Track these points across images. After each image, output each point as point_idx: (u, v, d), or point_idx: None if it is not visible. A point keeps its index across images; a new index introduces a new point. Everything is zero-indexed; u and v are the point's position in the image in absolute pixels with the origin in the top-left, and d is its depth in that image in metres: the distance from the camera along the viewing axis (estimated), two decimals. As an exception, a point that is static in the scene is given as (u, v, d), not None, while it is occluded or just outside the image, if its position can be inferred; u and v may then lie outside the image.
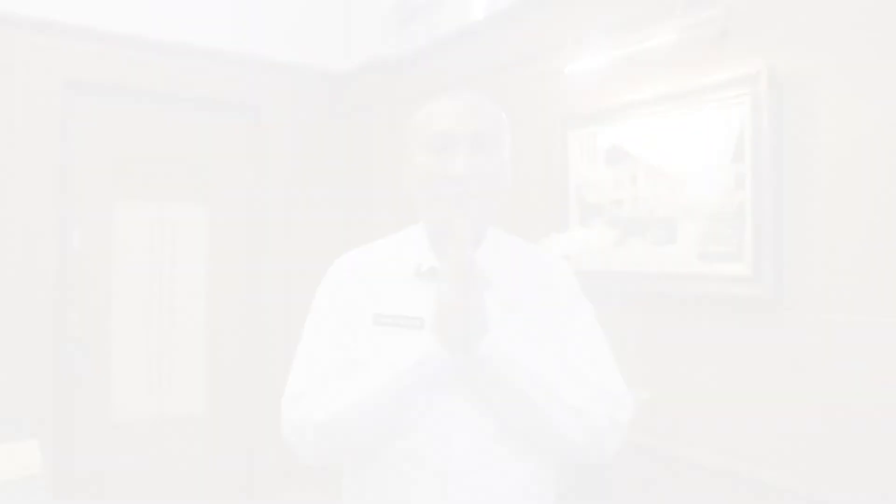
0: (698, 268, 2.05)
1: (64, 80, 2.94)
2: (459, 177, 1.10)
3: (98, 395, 3.07)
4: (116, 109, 3.16)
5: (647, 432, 2.06)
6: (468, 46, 3.00)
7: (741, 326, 1.95)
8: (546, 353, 1.12)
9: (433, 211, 1.17)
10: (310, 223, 3.58)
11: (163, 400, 3.23)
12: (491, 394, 1.09)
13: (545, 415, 1.07)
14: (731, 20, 1.98)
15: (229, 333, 3.41)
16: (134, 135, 3.20)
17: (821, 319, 1.74)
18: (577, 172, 2.45)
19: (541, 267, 1.26)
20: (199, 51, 3.26)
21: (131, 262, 3.18)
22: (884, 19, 1.64)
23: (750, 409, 1.91)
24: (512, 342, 1.07)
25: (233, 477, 3.39)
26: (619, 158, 2.30)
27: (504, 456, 1.11)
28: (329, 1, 3.69)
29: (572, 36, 2.37)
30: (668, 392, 2.09)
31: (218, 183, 3.43)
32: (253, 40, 3.42)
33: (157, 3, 3.16)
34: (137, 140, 3.21)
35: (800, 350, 1.80)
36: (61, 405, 2.94)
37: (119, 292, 3.14)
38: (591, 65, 2.31)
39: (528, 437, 1.12)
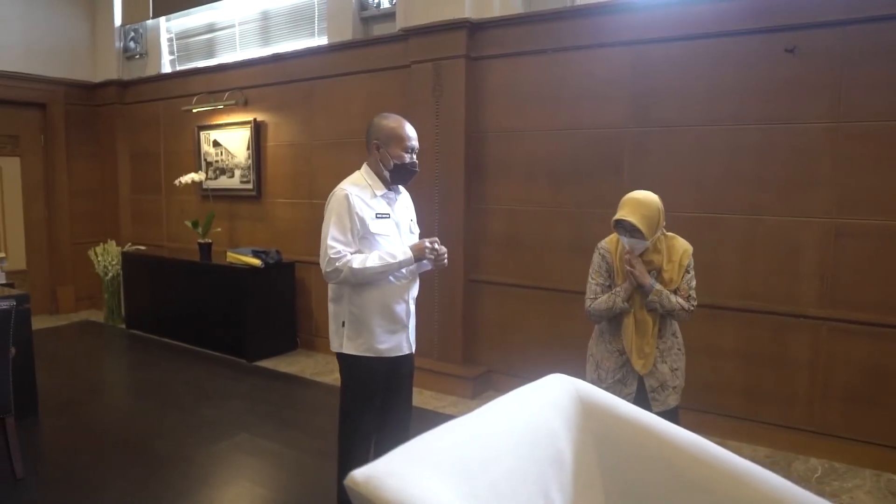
0: (241, 186, 5.78)
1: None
2: (416, 166, 2.46)
3: None
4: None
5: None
6: (162, 83, 6.39)
7: (247, 204, 5.75)
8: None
9: (400, 175, 2.43)
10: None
11: None
12: (422, 266, 2.50)
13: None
14: (248, 97, 5.67)
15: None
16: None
17: (271, 202, 5.58)
18: (202, 149, 6.05)
19: (410, 200, 2.65)
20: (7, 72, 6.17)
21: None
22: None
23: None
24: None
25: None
26: (217, 144, 5.94)
27: (414, 287, 2.56)
28: (84, 47, 6.74)
29: (193, 94, 5.93)
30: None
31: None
32: (42, 66, 6.39)
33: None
34: None
35: (267, 209, 5.64)
36: None
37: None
38: (202, 108, 5.89)
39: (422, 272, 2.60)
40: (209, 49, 6.23)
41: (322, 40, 5.30)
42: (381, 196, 2.43)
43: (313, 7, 5.39)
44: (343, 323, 2.45)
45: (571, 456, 1.51)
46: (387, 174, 2.43)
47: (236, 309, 5.16)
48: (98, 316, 6.63)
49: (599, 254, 2.59)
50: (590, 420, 1.60)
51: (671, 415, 2.50)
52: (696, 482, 1.47)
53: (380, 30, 5.04)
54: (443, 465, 1.17)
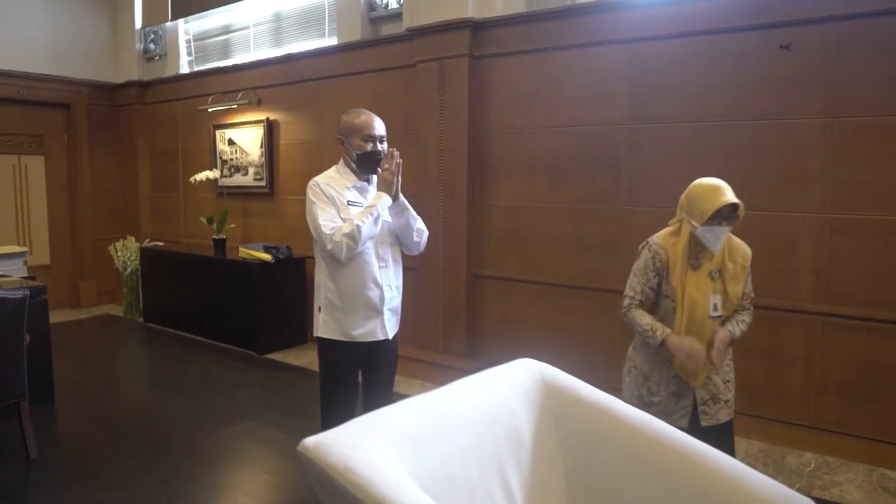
0: (255, 184, 5.93)
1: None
2: (378, 154, 2.50)
3: None
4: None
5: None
6: (179, 83, 6.58)
7: (260, 201, 5.90)
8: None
9: (364, 164, 2.51)
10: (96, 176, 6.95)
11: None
12: (400, 213, 2.53)
13: (416, 223, 2.58)
14: (261, 96, 5.82)
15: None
16: None
17: (283, 199, 5.72)
18: (217, 148, 6.22)
19: None
20: (35, 74, 6.41)
21: None
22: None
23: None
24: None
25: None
26: (232, 143, 6.10)
27: (395, 253, 2.61)
28: (106, 49, 6.97)
29: (209, 94, 6.09)
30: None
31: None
32: (66, 68, 6.62)
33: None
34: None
35: (279, 205, 5.78)
36: None
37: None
38: (217, 108, 6.05)
39: (407, 237, 2.60)
40: (225, 50, 6.40)
41: (332, 41, 5.41)
42: (353, 187, 2.54)
43: (324, 8, 5.51)
44: (319, 308, 2.56)
45: (531, 435, 1.58)
46: (354, 166, 2.55)
47: (248, 303, 5.30)
48: (118, 310, 6.84)
49: (650, 251, 2.30)
50: (551, 402, 1.67)
51: (723, 429, 2.34)
52: (650, 461, 1.53)
53: (388, 30, 5.14)
54: (393, 437, 1.25)
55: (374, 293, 2.52)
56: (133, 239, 6.61)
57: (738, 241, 2.33)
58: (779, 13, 3.34)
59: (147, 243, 6.56)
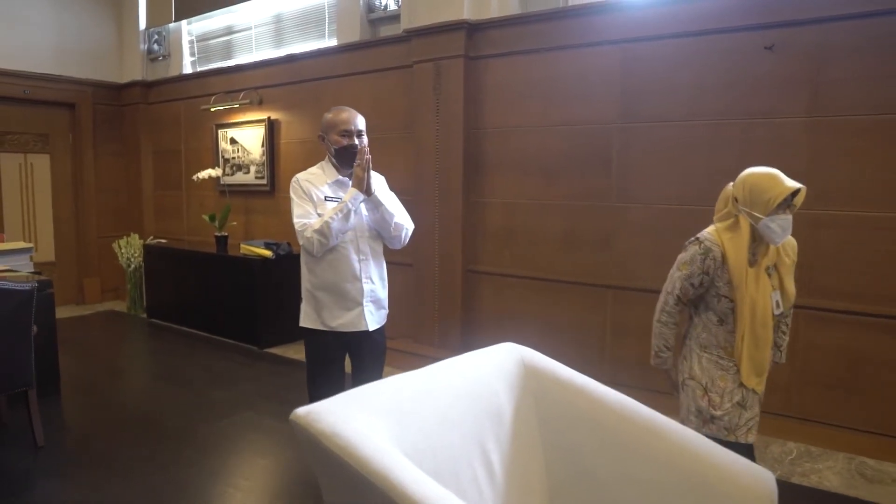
0: (256, 182, 6.05)
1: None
2: (354, 147, 2.55)
3: None
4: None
5: (236, 237, 6.06)
6: (182, 83, 6.70)
7: (262, 199, 6.01)
8: (390, 199, 2.67)
9: (342, 158, 2.59)
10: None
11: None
12: (374, 208, 2.58)
13: (392, 218, 2.61)
14: (262, 96, 5.94)
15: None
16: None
17: (284, 196, 5.83)
18: (220, 147, 6.33)
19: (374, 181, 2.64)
20: (43, 74, 6.53)
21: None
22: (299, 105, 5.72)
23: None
24: (380, 194, 2.58)
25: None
26: (234, 142, 6.21)
27: (376, 246, 2.68)
28: (111, 50, 7.09)
29: (212, 94, 6.21)
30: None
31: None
32: (72, 68, 6.74)
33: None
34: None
35: (280, 203, 5.88)
36: None
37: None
38: (219, 107, 6.17)
39: (384, 231, 2.65)
40: (227, 50, 6.52)
41: (332, 42, 5.53)
42: (332, 183, 2.63)
43: (324, 10, 5.63)
44: (302, 299, 2.67)
45: (511, 413, 1.68)
46: (335, 161, 2.65)
47: (249, 298, 5.41)
48: (122, 306, 6.97)
49: (702, 248, 2.11)
50: (531, 382, 1.77)
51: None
52: (622, 438, 1.63)
53: (386, 31, 5.25)
54: (379, 408, 1.35)
55: (352, 285, 2.60)
56: (137, 236, 6.73)
57: None
58: (766, 14, 3.44)
59: (150, 240, 6.68)
